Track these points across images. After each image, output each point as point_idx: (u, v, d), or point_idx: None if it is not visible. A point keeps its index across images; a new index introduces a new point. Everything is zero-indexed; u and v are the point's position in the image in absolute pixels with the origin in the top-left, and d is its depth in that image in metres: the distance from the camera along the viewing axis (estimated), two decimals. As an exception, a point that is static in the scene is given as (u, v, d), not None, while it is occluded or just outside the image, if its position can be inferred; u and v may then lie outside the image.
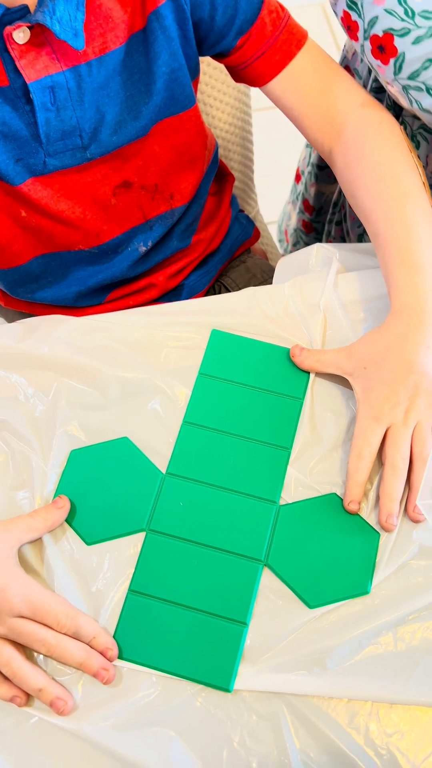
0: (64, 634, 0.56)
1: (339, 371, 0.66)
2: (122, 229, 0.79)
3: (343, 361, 0.66)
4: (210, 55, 0.75)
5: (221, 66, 0.92)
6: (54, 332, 0.70)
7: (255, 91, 1.05)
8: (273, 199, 1.55)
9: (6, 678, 0.56)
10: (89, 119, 0.69)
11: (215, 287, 0.96)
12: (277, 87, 0.75)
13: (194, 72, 0.75)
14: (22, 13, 0.61)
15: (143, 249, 0.82)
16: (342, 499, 0.62)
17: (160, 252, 0.85)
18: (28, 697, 0.56)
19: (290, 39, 0.74)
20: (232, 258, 0.96)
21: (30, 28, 0.61)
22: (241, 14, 0.71)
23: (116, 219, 0.78)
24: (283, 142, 1.66)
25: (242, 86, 1.00)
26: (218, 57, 0.76)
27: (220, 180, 0.94)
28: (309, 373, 0.69)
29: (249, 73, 0.75)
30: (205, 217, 0.90)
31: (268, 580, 0.60)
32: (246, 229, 0.97)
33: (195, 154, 0.78)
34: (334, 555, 0.60)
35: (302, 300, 0.72)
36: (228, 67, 0.78)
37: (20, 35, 0.61)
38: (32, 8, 0.61)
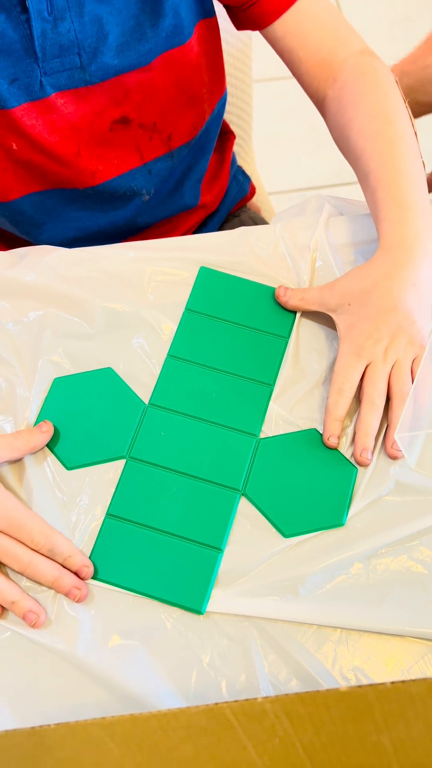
0: (38, 552, 0.57)
1: (322, 308, 0.67)
2: (119, 170, 0.77)
3: (327, 297, 0.66)
4: None
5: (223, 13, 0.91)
6: (42, 261, 0.70)
7: (255, 63, 1.05)
8: (273, 169, 1.55)
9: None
10: (89, 36, 0.67)
11: None
12: (279, 28, 0.75)
13: (207, 6, 0.74)
14: None
15: (146, 197, 0.81)
16: (321, 435, 0.63)
17: (167, 206, 0.84)
18: (2, 611, 0.56)
19: None
20: (228, 215, 0.96)
21: None
22: None
23: (112, 159, 0.76)
24: (283, 113, 1.67)
25: (243, 36, 0.99)
26: None
27: (221, 137, 0.94)
28: (295, 313, 0.69)
29: (254, 11, 0.74)
30: (208, 177, 0.90)
31: (244, 509, 0.61)
32: (243, 186, 0.97)
33: (195, 91, 0.77)
34: (311, 487, 0.61)
35: (293, 241, 0.72)
36: (231, 10, 0.77)
37: None
38: None
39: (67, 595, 0.56)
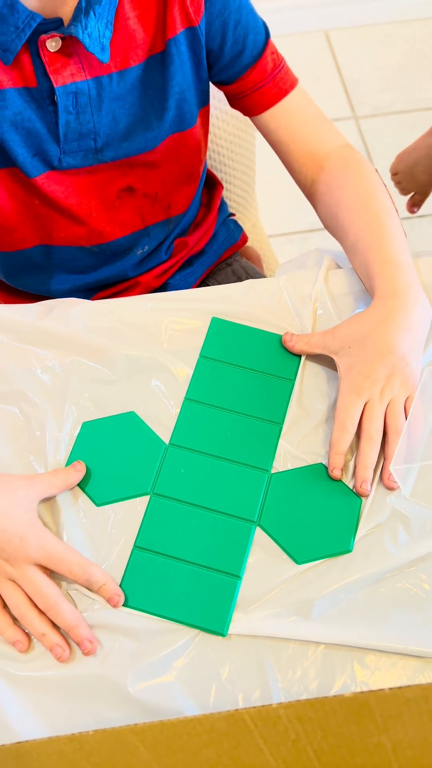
0: (76, 581, 0.62)
1: (325, 351, 0.73)
2: (123, 232, 0.86)
3: (330, 341, 0.73)
4: (214, 81, 0.84)
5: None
6: (69, 313, 0.77)
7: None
8: (274, 213, 1.62)
9: (13, 621, 0.61)
10: (105, 125, 0.76)
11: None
12: (270, 120, 0.84)
13: (205, 96, 0.83)
14: (56, 24, 0.68)
15: (140, 252, 0.90)
16: (327, 468, 0.69)
17: (154, 257, 0.93)
18: (29, 644, 0.61)
19: (285, 78, 0.84)
20: (219, 261, 1.03)
21: (62, 38, 0.69)
22: (248, 51, 0.80)
23: (118, 221, 0.85)
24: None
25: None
26: (219, 84, 0.85)
27: (210, 189, 1.02)
28: (300, 357, 0.76)
29: (246, 102, 0.85)
30: (194, 224, 0.98)
31: (260, 539, 0.66)
32: (233, 234, 1.04)
33: (193, 169, 0.87)
34: (319, 517, 0.67)
35: (295, 292, 0.79)
36: (226, 94, 0.87)
37: (53, 44, 0.69)
38: (66, 21, 0.69)
39: (78, 644, 0.60)
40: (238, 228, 1.06)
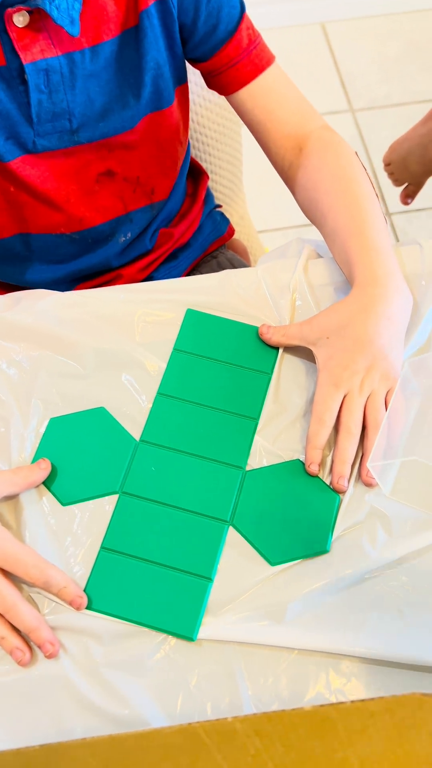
0: (34, 584, 0.60)
1: (303, 342, 0.70)
2: (104, 218, 0.83)
3: (307, 332, 0.70)
4: (188, 58, 0.81)
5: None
6: (37, 304, 0.74)
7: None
8: (268, 207, 1.59)
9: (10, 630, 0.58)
10: (79, 104, 0.73)
11: None
12: (246, 99, 0.81)
13: (181, 74, 0.80)
14: None
15: (122, 240, 0.87)
16: (304, 465, 0.66)
17: (137, 245, 0.90)
18: (31, 655, 0.58)
19: (262, 55, 0.80)
20: (204, 254, 1.00)
21: (30, 12, 0.66)
22: (222, 25, 0.77)
23: (98, 207, 0.82)
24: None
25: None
26: (194, 61, 0.82)
27: (195, 179, 0.99)
28: (278, 350, 0.73)
29: (221, 80, 0.81)
30: (179, 215, 0.95)
31: (232, 539, 0.63)
32: (219, 226, 1.01)
33: (172, 151, 0.84)
34: (295, 516, 0.64)
35: (274, 282, 0.76)
36: (202, 73, 0.83)
37: (20, 18, 0.66)
38: None
39: (40, 647, 0.58)
40: (225, 220, 1.04)
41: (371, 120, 2.00)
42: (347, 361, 0.66)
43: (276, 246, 0.87)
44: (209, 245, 1.01)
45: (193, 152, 1.06)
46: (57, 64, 0.70)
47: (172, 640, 0.59)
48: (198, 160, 1.07)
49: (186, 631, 0.60)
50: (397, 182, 1.30)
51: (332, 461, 0.65)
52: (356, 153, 0.80)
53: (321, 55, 2.12)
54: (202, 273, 1.00)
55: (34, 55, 0.69)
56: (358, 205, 0.73)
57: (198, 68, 0.82)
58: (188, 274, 1.00)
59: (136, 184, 0.83)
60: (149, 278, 0.94)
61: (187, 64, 0.82)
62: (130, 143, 0.79)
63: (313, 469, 0.65)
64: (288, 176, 0.84)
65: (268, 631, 0.59)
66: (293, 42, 2.14)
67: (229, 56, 0.79)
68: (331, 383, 0.66)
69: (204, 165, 1.08)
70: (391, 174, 1.29)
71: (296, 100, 0.82)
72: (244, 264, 1.04)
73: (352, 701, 0.40)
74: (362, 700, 0.40)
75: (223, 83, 0.81)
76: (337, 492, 0.64)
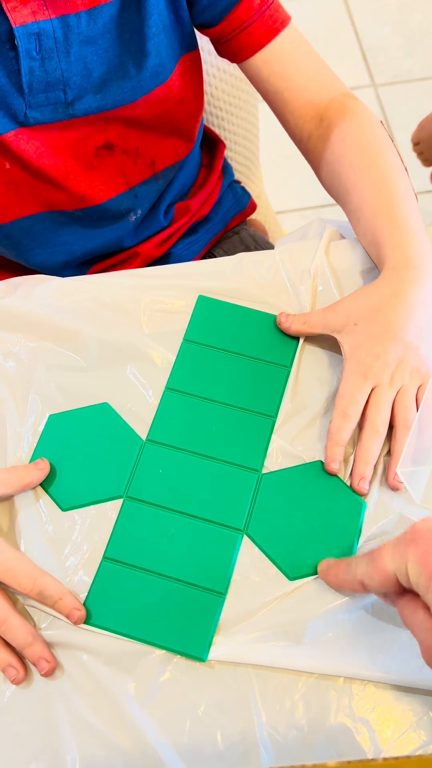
0: (27, 595, 0.55)
1: (327, 330, 0.64)
2: (107, 195, 0.77)
3: (331, 318, 0.64)
4: (196, 24, 0.74)
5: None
6: (35, 290, 0.68)
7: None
8: (282, 189, 1.53)
9: (3, 646, 0.54)
10: (75, 74, 0.67)
11: (206, 258, 0.94)
12: (261, 65, 0.74)
13: (189, 41, 0.74)
14: None
15: (134, 218, 0.80)
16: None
17: (152, 223, 0.84)
18: (26, 673, 0.54)
19: (276, 16, 0.73)
20: (226, 229, 0.94)
21: None
22: None
23: (99, 183, 0.76)
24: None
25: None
26: (202, 27, 0.75)
27: (210, 149, 0.93)
28: (297, 340, 0.67)
29: (233, 45, 0.74)
30: (195, 186, 0.89)
31: (247, 550, 0.58)
32: (240, 200, 0.95)
33: (177, 121, 0.77)
34: (317, 524, 0.58)
35: (293, 266, 0.70)
36: (212, 40, 0.77)
37: None
38: None
39: (35, 664, 0.54)
40: (246, 194, 0.97)
41: (394, 96, 1.93)
42: (378, 349, 0.60)
43: (295, 227, 0.80)
44: (230, 219, 0.95)
45: (207, 123, 0.99)
46: (50, 28, 0.64)
47: (180, 660, 0.54)
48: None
49: (196, 651, 0.54)
50: (426, 162, 1.23)
51: (354, 460, 0.59)
52: (381, 122, 0.73)
53: (342, 27, 2.04)
54: (223, 249, 0.95)
55: (25, 17, 0.62)
56: (385, 180, 0.67)
57: (207, 35, 0.76)
58: (209, 251, 0.94)
59: (136, 156, 0.77)
60: (167, 254, 0.88)
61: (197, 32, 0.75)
62: (131, 116, 0.73)
63: (334, 467, 0.59)
64: (307, 149, 0.77)
65: (287, 653, 0.54)
66: (312, 13, 2.07)
67: (241, 19, 0.72)
68: (360, 374, 0.60)
69: (219, 139, 1.01)
70: (420, 153, 1.23)
71: (315, 66, 0.75)
72: (267, 241, 0.97)
73: (384, 759, 0.34)
74: (396, 758, 0.34)
75: (234, 49, 0.75)
76: (358, 494, 0.59)
